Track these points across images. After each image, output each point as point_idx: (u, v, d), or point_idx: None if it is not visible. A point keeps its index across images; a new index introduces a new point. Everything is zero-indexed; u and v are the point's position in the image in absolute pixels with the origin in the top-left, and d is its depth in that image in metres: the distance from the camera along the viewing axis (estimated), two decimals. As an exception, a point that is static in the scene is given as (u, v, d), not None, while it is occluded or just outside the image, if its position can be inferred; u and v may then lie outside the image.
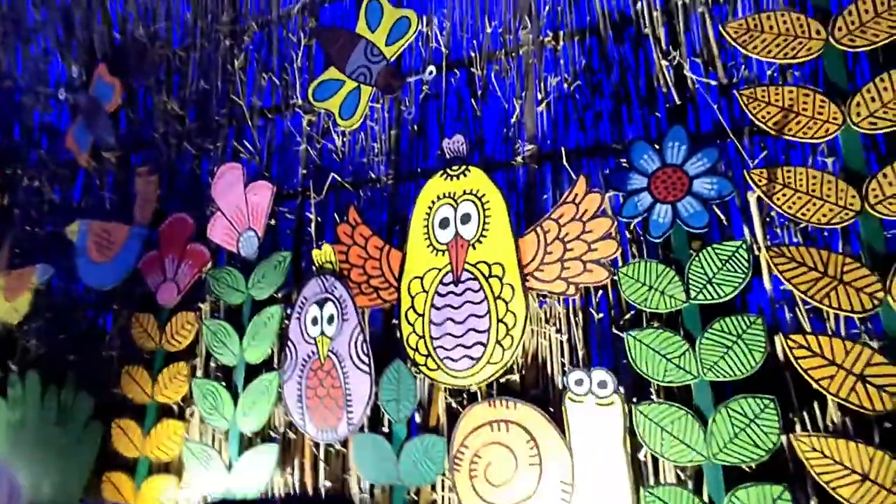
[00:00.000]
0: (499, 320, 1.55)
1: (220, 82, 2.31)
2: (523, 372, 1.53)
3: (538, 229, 1.58)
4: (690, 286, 1.37)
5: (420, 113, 1.90)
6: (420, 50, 1.93)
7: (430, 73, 1.89)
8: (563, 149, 1.64)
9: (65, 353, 2.35)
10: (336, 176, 1.94)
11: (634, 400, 1.37)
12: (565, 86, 1.71)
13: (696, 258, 1.37)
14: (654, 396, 1.36)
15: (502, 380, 1.54)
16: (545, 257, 1.55)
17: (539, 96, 1.73)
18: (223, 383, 1.92)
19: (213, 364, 1.98)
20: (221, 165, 2.16)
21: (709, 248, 1.36)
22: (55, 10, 2.80)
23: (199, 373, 2.00)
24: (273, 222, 2.03)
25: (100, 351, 2.25)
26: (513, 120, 1.76)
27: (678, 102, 1.54)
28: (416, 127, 1.90)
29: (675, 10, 1.58)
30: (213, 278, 2.05)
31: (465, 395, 1.59)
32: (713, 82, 1.51)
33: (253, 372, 1.89)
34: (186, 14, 2.47)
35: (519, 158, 1.72)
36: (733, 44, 1.45)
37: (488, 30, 1.85)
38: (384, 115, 1.94)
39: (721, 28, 1.47)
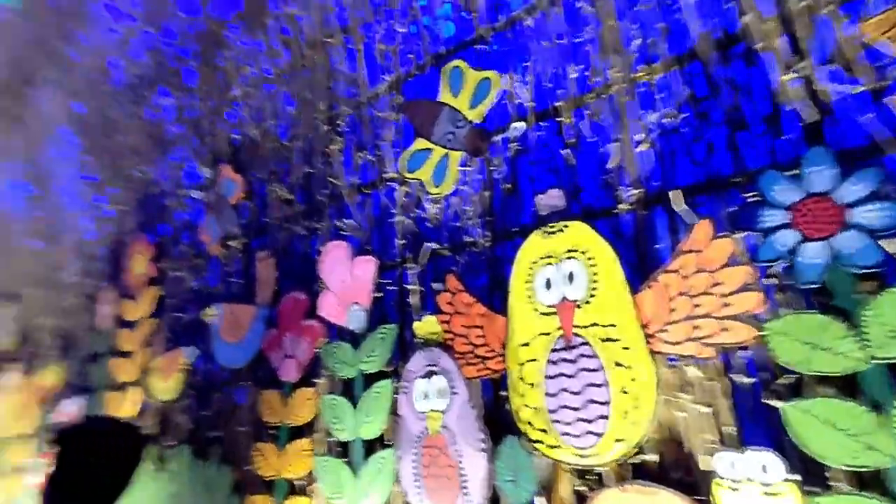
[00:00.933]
0: (622, 390, 1.38)
1: (322, 165, 2.47)
2: (659, 451, 1.33)
3: (656, 284, 1.40)
4: (868, 341, 1.10)
5: (511, 170, 1.85)
6: (505, 107, 1.90)
7: (517, 128, 1.84)
8: (672, 190, 1.46)
9: (207, 428, 2.56)
10: (432, 244, 1.93)
11: (808, 488, 1.10)
12: (667, 120, 1.56)
13: (873, 305, 1.11)
14: (832, 483, 1.08)
15: (635, 459, 1.35)
16: (670, 315, 1.36)
17: (638, 137, 1.59)
18: (343, 460, 1.93)
19: (331, 440, 2.01)
20: (327, 243, 2.27)
21: (889, 291, 1.10)
22: (189, 123, 3.26)
23: (321, 449, 2.04)
24: (379, 294, 2.07)
25: (234, 427, 2.41)
26: (611, 164, 1.63)
27: (813, 119, 1.31)
28: (508, 185, 1.84)
29: (793, 15, 1.38)
30: (326, 353, 2.11)
31: (592, 477, 1.42)
32: (857, 89, 1.27)
33: (370, 448, 1.88)
34: (290, 109, 2.72)
35: (623, 205, 1.57)
36: (877, 43, 1.21)
37: (573, 75, 1.77)
38: (475, 177, 1.91)
39: (860, 26, 1.24)
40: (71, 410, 3.32)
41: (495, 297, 1.75)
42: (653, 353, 1.36)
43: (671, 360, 1.36)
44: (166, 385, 2.81)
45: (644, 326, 1.39)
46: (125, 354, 3.14)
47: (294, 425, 2.14)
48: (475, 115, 1.94)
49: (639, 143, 1.59)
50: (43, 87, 4.25)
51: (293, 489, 2.07)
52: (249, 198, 2.80)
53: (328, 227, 2.35)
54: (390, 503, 1.77)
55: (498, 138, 1.89)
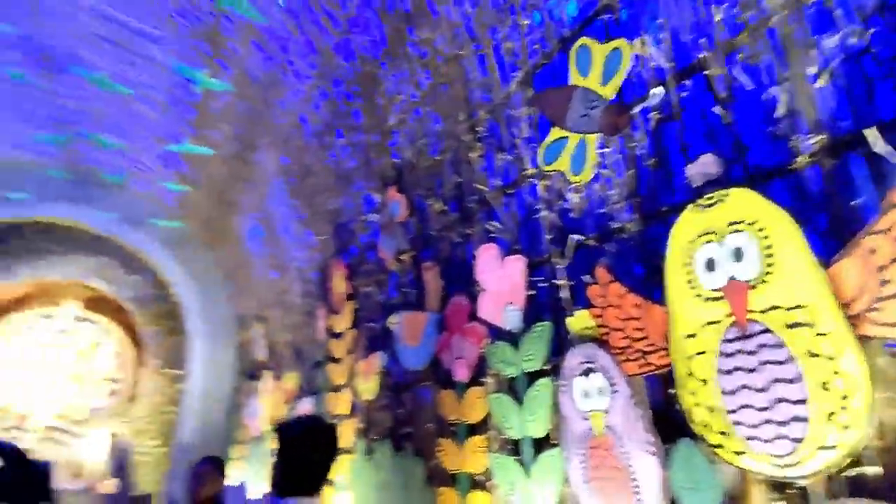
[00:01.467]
0: (822, 386, 1.12)
1: (468, 173, 2.57)
2: (883, 462, 1.04)
3: (858, 250, 1.11)
4: None
5: (655, 143, 1.66)
6: (640, 75, 1.72)
7: (656, 94, 1.64)
8: (869, 128, 1.14)
9: (402, 424, 2.86)
10: (578, 235, 1.85)
11: None
12: (852, 41, 1.22)
13: None
14: None
15: (851, 472, 1.08)
16: (881, 289, 1.06)
17: (813, 70, 1.28)
18: (515, 458, 1.96)
19: (503, 437, 2.06)
20: (480, 247, 2.35)
21: None
22: (360, 157, 3.72)
23: (494, 446, 2.11)
24: (532, 293, 2.06)
25: (423, 423, 2.65)
26: (780, 112, 1.34)
27: None
28: (653, 160, 1.66)
29: None
30: (490, 353, 2.18)
31: (792, 491, 1.18)
32: None
33: (540, 446, 1.88)
34: (437, 127, 2.89)
35: (802, 159, 1.28)
36: None
37: (718, 16, 1.51)
38: (616, 158, 1.77)
39: None
40: (305, 409, 4.05)
41: (652, 286, 1.58)
42: (861, 338, 1.08)
43: (890, 345, 1.06)
44: (367, 386, 3.23)
45: (845, 306, 1.11)
46: (337, 361, 3.71)
47: (470, 423, 2.26)
48: (609, 91, 1.80)
49: (815, 77, 1.28)
50: (260, 149, 5.33)
51: (475, 483, 2.18)
52: (413, 214, 3.06)
53: (479, 231, 2.43)
54: (563, 502, 1.74)
55: (637, 110, 1.72)
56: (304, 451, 1.50)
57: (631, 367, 1.55)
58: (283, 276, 5.19)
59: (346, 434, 3.22)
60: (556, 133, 2.01)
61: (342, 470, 3.05)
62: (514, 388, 2.02)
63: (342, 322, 3.74)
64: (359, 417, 3.28)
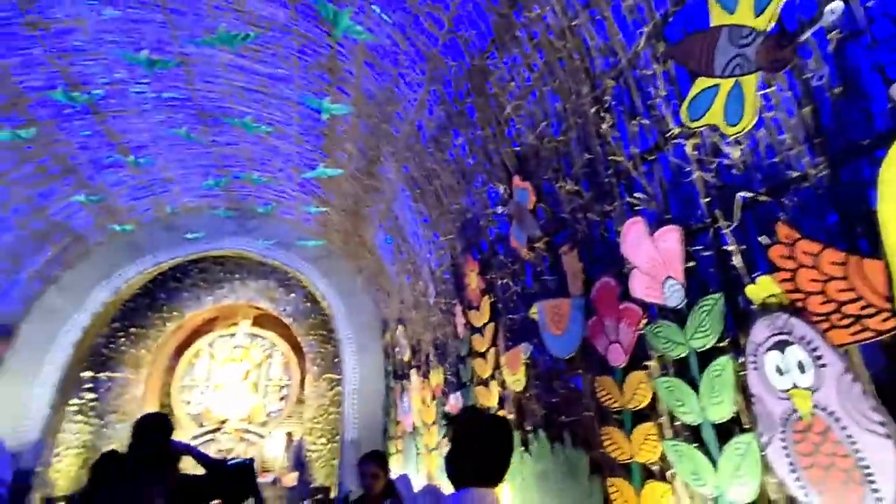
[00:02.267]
0: None
1: (599, 147, 2.43)
2: None
3: None
4: None
5: (837, 68, 1.40)
6: (805, -7, 1.46)
7: (833, 10, 1.38)
8: None
9: (557, 414, 2.79)
10: (745, 192, 1.62)
11: None
12: None
13: None
14: None
15: None
16: None
17: None
18: (695, 444, 1.79)
19: (677, 423, 1.90)
20: (623, 223, 2.19)
21: None
22: (479, 151, 3.73)
23: (668, 433, 1.95)
24: (692, 264, 1.87)
25: (580, 411, 2.55)
26: None
27: None
28: (838, 89, 1.39)
29: None
30: (650, 334, 2.03)
31: None
32: None
33: (725, 431, 1.69)
34: (557, 105, 2.78)
35: None
36: None
37: None
38: (784, 96, 1.53)
39: None
40: (454, 403, 4.17)
41: (854, 237, 1.33)
42: None
43: None
44: (515, 378, 3.22)
45: None
46: (481, 355, 3.76)
47: (635, 409, 2.12)
48: (764, 22, 1.55)
49: None
50: (384, 161, 5.64)
51: (650, 473, 2.03)
52: (542, 199, 2.98)
53: (620, 206, 2.27)
54: (765, 494, 1.54)
55: (807, 36, 1.46)
56: (481, 442, 1.50)
57: (840, 335, 1.32)
58: (417, 279, 5.42)
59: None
60: (701, 84, 1.80)
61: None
62: (685, 370, 1.85)
63: (481, 317, 3.78)
64: (509, 409, 3.28)
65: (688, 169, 1.88)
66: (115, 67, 4.56)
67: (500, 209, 3.51)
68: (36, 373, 6.43)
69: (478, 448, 1.46)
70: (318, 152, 6.06)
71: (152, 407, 8.03)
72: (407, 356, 5.85)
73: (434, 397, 4.70)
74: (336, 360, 7.90)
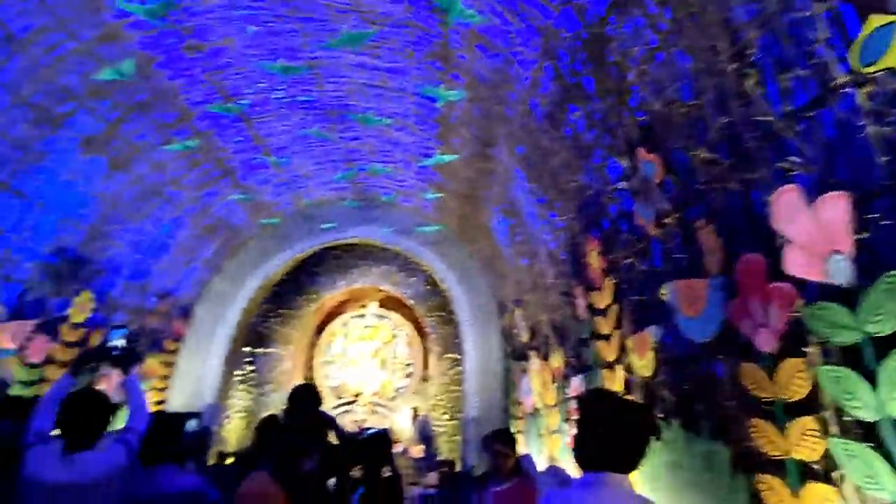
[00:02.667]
0: None
1: (741, 108, 2.17)
2: None
3: None
4: None
5: None
6: None
7: None
8: None
9: (692, 402, 2.60)
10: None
11: None
12: None
13: None
14: None
15: None
16: None
17: None
18: (869, 444, 1.55)
19: (846, 419, 1.65)
20: (774, 192, 1.94)
21: None
22: (598, 125, 3.55)
23: (833, 429, 1.71)
24: (863, 235, 1.60)
25: (720, 400, 2.35)
26: None
27: None
28: None
29: None
30: (809, 317, 1.78)
31: None
32: None
33: (911, 431, 1.44)
34: (687, 66, 2.53)
35: None
36: None
37: None
38: None
39: None
40: (577, 386, 4.08)
41: None
42: None
43: None
44: (643, 362, 3.05)
45: None
46: (605, 337, 3.62)
47: (790, 400, 1.89)
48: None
49: None
50: (498, 144, 5.63)
51: (810, 473, 1.80)
52: (671, 171, 2.76)
53: (767, 173, 2.01)
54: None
55: None
56: (608, 425, 1.45)
57: None
58: (534, 261, 5.36)
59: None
60: (876, 21, 1.51)
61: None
62: (857, 358, 1.60)
63: (603, 298, 3.63)
64: (637, 394, 3.13)
65: (860, 123, 1.60)
66: (258, 78, 5.12)
67: (622, 184, 3.32)
68: (208, 348, 7.59)
69: (605, 430, 1.42)
70: (434, 140, 6.24)
71: (299, 379, 9.04)
72: (525, 338, 5.84)
73: (554, 380, 4.64)
74: (456, 340, 8.16)
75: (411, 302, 9.03)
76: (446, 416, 8.37)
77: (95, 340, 5.46)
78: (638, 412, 1.45)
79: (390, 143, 6.57)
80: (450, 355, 8.69)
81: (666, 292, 2.79)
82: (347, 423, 8.52)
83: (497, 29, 4.15)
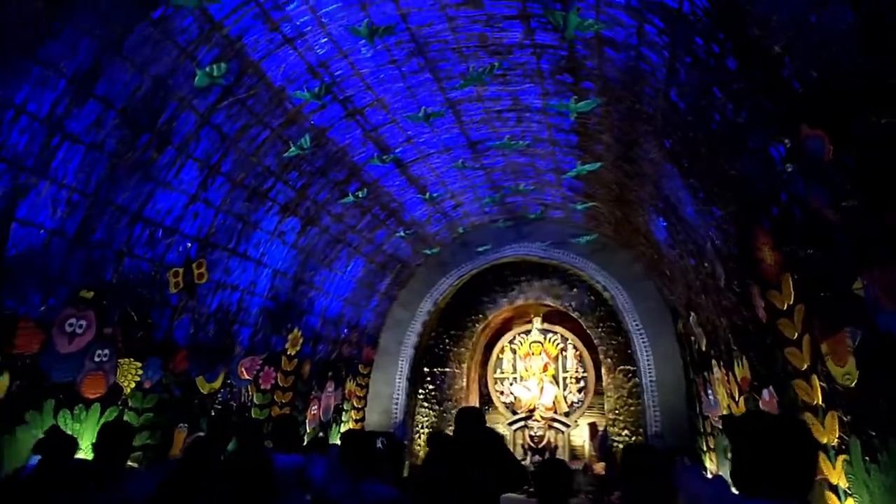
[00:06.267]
0: None
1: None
2: None
3: None
4: None
5: None
6: None
7: None
8: None
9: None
10: None
11: None
12: None
13: None
14: None
15: None
16: None
17: None
18: None
19: None
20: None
21: None
22: (749, 105, 3.19)
23: None
24: None
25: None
26: None
27: None
28: None
29: None
30: None
31: None
32: None
33: None
34: (850, 22, 2.18)
35: None
36: None
37: None
38: None
39: None
40: (768, 399, 3.60)
41: None
42: None
43: None
44: (844, 371, 2.60)
45: None
46: (792, 342, 3.17)
47: None
48: None
49: None
50: (643, 142, 5.34)
51: None
52: (844, 145, 2.37)
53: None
54: None
55: None
56: (765, 448, 1.36)
57: None
58: (701, 260, 4.90)
59: (829, 428, 2.67)
60: None
61: (835, 473, 2.53)
62: None
63: (784, 297, 3.19)
64: (840, 409, 2.66)
65: None
66: (406, 128, 5.76)
67: (788, 167, 2.92)
68: (394, 370, 8.51)
69: (762, 454, 1.33)
70: (574, 151, 6.19)
71: (475, 396, 9.51)
72: (703, 345, 5.32)
73: (741, 392, 4.15)
74: (628, 351, 7.75)
75: (576, 314, 8.87)
76: (627, 432, 7.94)
77: (306, 370, 6.60)
78: (790, 430, 1.33)
79: (531, 162, 6.70)
80: (624, 367, 8.27)
81: (860, 286, 2.38)
82: (524, 438, 8.66)
83: (621, 29, 4.04)
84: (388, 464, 3.90)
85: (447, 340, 9.45)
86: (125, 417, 4.08)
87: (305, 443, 5.78)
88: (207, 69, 3.82)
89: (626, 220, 6.81)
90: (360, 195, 6.19)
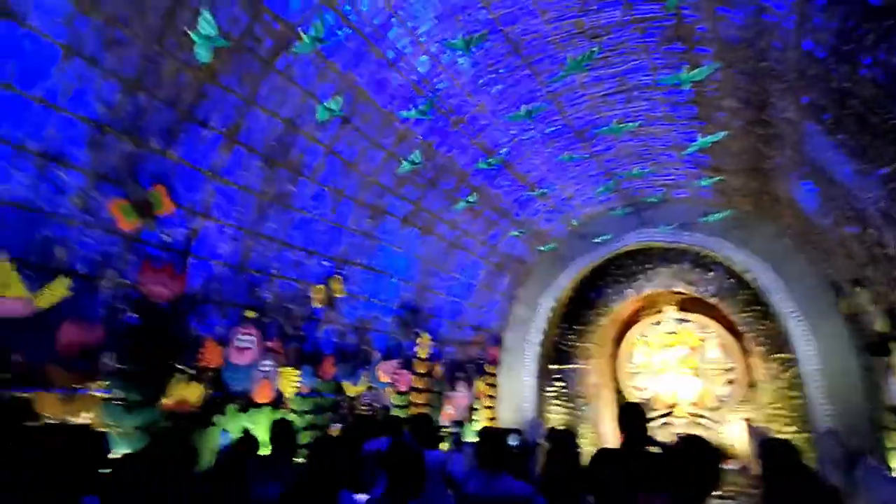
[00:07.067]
0: None
1: None
2: None
3: None
4: None
5: None
6: None
7: None
8: None
9: None
10: None
11: None
12: None
13: None
14: None
15: None
16: None
17: None
18: None
19: None
20: None
21: None
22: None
23: None
24: None
25: None
26: None
27: None
28: None
29: None
30: None
31: None
32: None
33: None
34: None
35: None
36: None
37: None
38: None
39: None
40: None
41: None
42: None
43: None
44: None
45: None
46: None
47: None
48: None
49: None
50: (774, 102, 4.75)
51: None
52: None
53: None
54: None
55: None
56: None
57: None
58: (864, 227, 4.23)
59: None
60: None
61: None
62: None
63: None
64: None
65: None
66: (509, 127, 5.81)
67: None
68: (520, 368, 8.54)
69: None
70: (694, 123, 5.72)
71: (609, 392, 9.16)
72: (880, 325, 4.56)
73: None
74: (783, 337, 6.90)
75: (714, 300, 8.12)
76: (792, 429, 7.04)
77: (438, 371, 6.93)
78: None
79: (645, 142, 6.32)
80: (779, 355, 7.37)
81: None
82: (666, 436, 8.11)
83: (734, -18, 3.68)
84: (521, 460, 3.97)
85: (572, 336, 9.23)
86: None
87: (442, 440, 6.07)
88: (326, 104, 4.25)
89: (764, 190, 6.10)
90: (472, 200, 6.36)
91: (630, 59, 5.00)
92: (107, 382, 3.37)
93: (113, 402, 3.40)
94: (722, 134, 5.41)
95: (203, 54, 3.38)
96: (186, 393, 3.78)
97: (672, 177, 7.04)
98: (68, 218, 3.25)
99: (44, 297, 3.07)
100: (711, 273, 8.10)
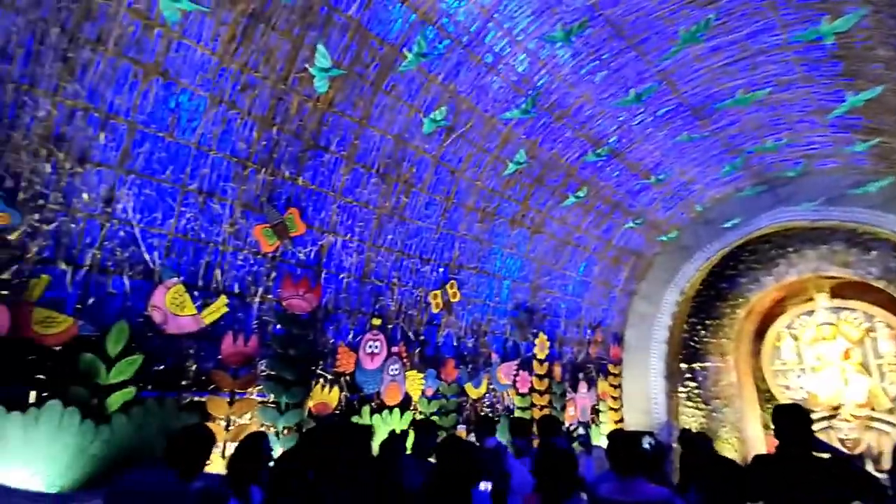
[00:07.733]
0: None
1: None
2: None
3: None
4: None
5: None
6: None
7: None
8: None
9: None
10: None
11: None
12: None
13: None
14: None
15: None
16: None
17: None
18: None
19: None
20: None
21: None
22: None
23: None
24: None
25: None
26: None
27: None
28: None
29: None
30: None
31: None
32: None
33: None
34: None
35: None
36: None
37: None
38: None
39: None
40: None
41: None
42: None
43: None
44: None
45: None
46: None
47: None
48: None
49: None
50: None
51: None
52: None
53: None
54: None
55: None
56: None
57: None
58: None
59: None
60: None
61: None
62: None
63: None
64: None
65: None
66: (617, 114, 5.52)
67: None
68: (646, 368, 8.02)
69: None
70: (839, 81, 4.97)
71: (750, 392, 8.25)
72: None
73: None
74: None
75: (881, 283, 6.95)
76: None
77: (557, 372, 6.77)
78: None
79: (778, 111, 5.63)
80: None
81: None
82: (831, 442, 7.08)
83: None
84: (656, 463, 3.74)
85: (703, 332, 8.47)
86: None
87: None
88: (431, 116, 4.39)
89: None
90: (581, 195, 6.14)
91: (753, 21, 4.49)
92: (261, 387, 3.79)
93: (268, 404, 3.81)
94: (878, 89, 4.63)
95: (321, 85, 3.69)
96: (327, 396, 4.12)
97: (815, 146, 6.18)
98: (223, 244, 3.72)
99: (209, 313, 3.56)
100: (873, 252, 6.95)
